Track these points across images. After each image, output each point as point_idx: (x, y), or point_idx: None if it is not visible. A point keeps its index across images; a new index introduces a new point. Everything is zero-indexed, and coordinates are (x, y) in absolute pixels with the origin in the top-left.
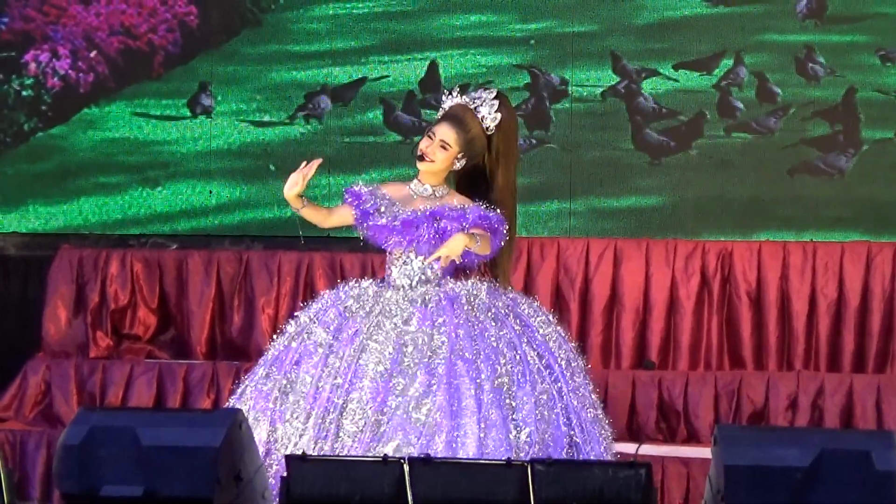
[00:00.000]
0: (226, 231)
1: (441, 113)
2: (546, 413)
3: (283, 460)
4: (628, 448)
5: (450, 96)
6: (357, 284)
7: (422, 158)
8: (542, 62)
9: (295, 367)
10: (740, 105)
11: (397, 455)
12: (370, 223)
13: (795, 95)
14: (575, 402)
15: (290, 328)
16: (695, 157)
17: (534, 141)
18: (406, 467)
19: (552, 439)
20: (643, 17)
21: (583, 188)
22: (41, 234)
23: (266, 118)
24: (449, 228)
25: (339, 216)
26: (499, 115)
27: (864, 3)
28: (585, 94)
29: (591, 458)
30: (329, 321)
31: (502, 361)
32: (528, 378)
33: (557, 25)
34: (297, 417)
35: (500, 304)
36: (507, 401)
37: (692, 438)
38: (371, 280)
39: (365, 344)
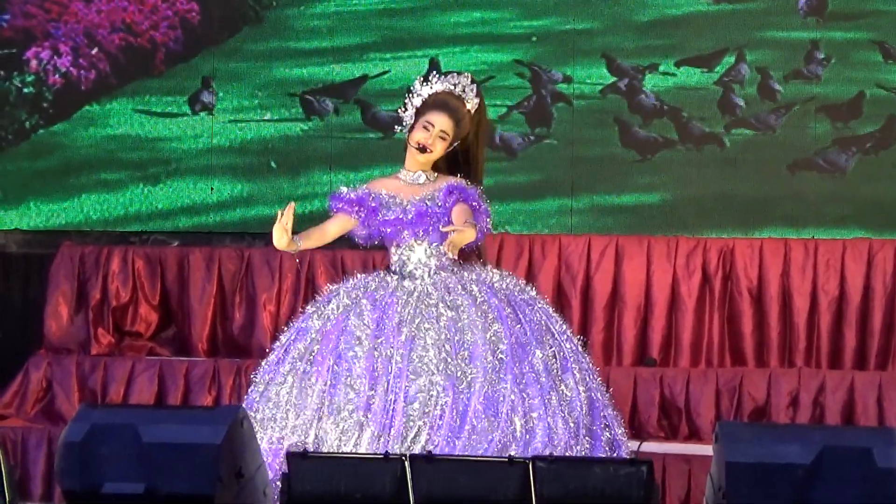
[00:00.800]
0: (227, 228)
1: (421, 100)
2: (592, 395)
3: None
4: (630, 445)
5: (426, 83)
6: (374, 276)
7: (423, 150)
8: (543, 59)
9: (339, 360)
10: (742, 102)
11: (478, 444)
12: (380, 218)
13: (797, 92)
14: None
15: (314, 322)
16: (696, 155)
17: (535, 138)
18: (407, 464)
19: (596, 423)
20: (645, 14)
21: (584, 185)
22: (43, 231)
23: (267, 115)
24: (452, 200)
25: (337, 227)
26: (477, 99)
27: (864, 0)
28: (587, 91)
29: (617, 436)
30: (364, 311)
31: (547, 348)
32: (569, 364)
33: (559, 22)
34: (351, 412)
35: (518, 290)
36: (560, 386)
37: (693, 435)
38: (378, 271)
39: (414, 333)
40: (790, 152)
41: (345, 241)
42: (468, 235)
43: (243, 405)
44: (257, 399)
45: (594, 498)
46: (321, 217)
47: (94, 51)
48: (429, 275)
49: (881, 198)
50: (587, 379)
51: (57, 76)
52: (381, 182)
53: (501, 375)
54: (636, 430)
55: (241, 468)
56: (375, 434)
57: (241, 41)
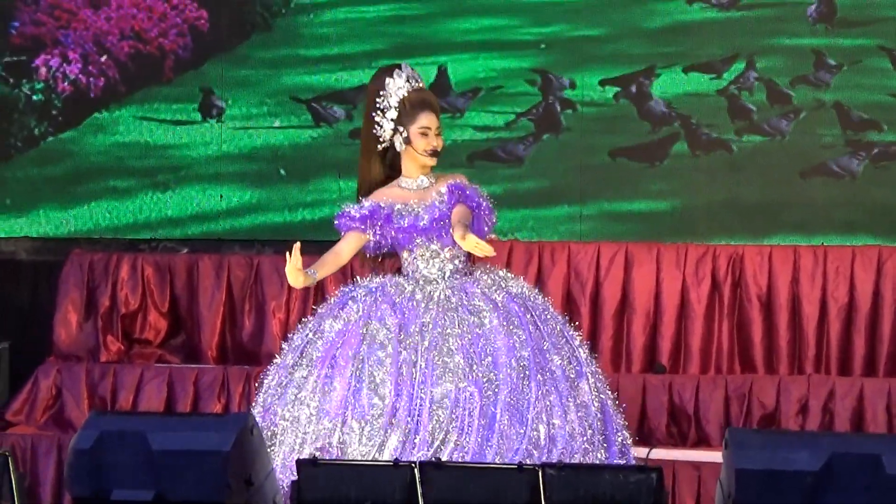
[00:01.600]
0: (236, 235)
1: (395, 109)
2: (605, 400)
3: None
4: (639, 452)
5: (386, 93)
6: (389, 280)
7: (436, 154)
8: (552, 66)
9: (362, 365)
10: (751, 108)
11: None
12: (394, 226)
13: (806, 99)
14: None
15: (333, 325)
16: (705, 161)
17: (533, 139)
18: (417, 471)
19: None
20: (654, 21)
21: (593, 192)
22: (52, 238)
23: (276, 122)
24: (454, 200)
25: (351, 247)
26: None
27: (874, 7)
28: (596, 97)
29: (627, 441)
30: (385, 316)
31: (564, 354)
32: (584, 369)
33: (568, 29)
34: (376, 417)
35: (532, 295)
36: (576, 392)
37: (703, 442)
38: (391, 276)
39: (438, 339)
40: (799, 159)
41: None
42: (468, 243)
43: (255, 408)
44: (273, 402)
45: None
46: (331, 224)
47: (104, 58)
48: (443, 279)
49: (891, 205)
50: (599, 384)
51: (66, 83)
52: (383, 193)
53: (525, 382)
54: (645, 436)
55: (250, 475)
56: (401, 440)
57: (250, 48)
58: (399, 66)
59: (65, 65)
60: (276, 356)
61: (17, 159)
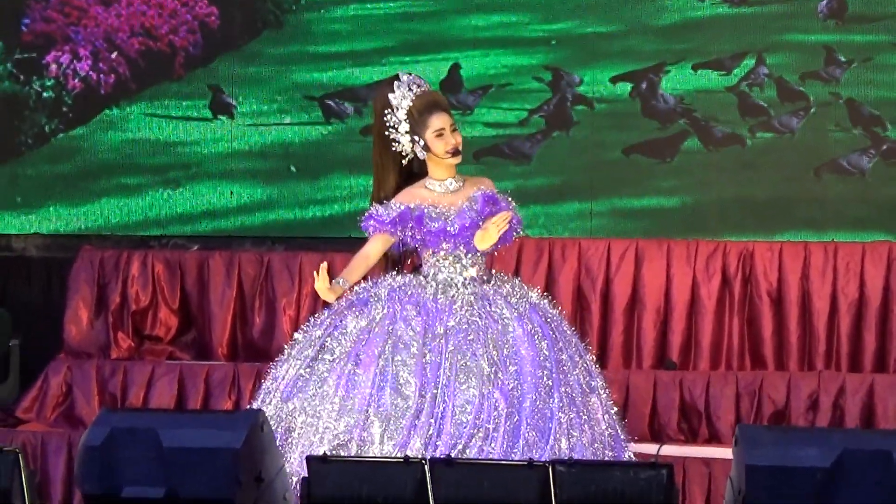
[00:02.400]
0: (247, 232)
1: (406, 121)
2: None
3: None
4: (650, 448)
5: (395, 108)
6: (410, 280)
7: (456, 152)
8: (563, 63)
9: (386, 364)
10: (762, 105)
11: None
12: (425, 228)
13: (817, 95)
14: None
15: (358, 321)
16: (715, 157)
17: (541, 137)
18: (427, 468)
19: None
20: (664, 18)
21: (604, 189)
22: (62, 235)
23: (287, 119)
24: (487, 211)
25: (379, 249)
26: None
27: (884, 3)
28: (607, 94)
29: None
30: (410, 317)
31: (580, 366)
32: (595, 382)
33: (579, 26)
34: (398, 418)
35: (549, 306)
36: (589, 404)
37: (713, 439)
38: (410, 275)
39: (462, 343)
40: (810, 155)
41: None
42: (486, 238)
43: (263, 398)
44: (293, 393)
45: (614, 501)
46: (341, 221)
47: (114, 55)
48: (463, 284)
49: None
50: (607, 400)
51: (76, 80)
52: (411, 195)
53: (548, 393)
54: (656, 433)
55: (260, 472)
56: (423, 442)
57: (260, 45)
58: (397, 77)
59: (75, 62)
60: (286, 346)
61: (27, 156)
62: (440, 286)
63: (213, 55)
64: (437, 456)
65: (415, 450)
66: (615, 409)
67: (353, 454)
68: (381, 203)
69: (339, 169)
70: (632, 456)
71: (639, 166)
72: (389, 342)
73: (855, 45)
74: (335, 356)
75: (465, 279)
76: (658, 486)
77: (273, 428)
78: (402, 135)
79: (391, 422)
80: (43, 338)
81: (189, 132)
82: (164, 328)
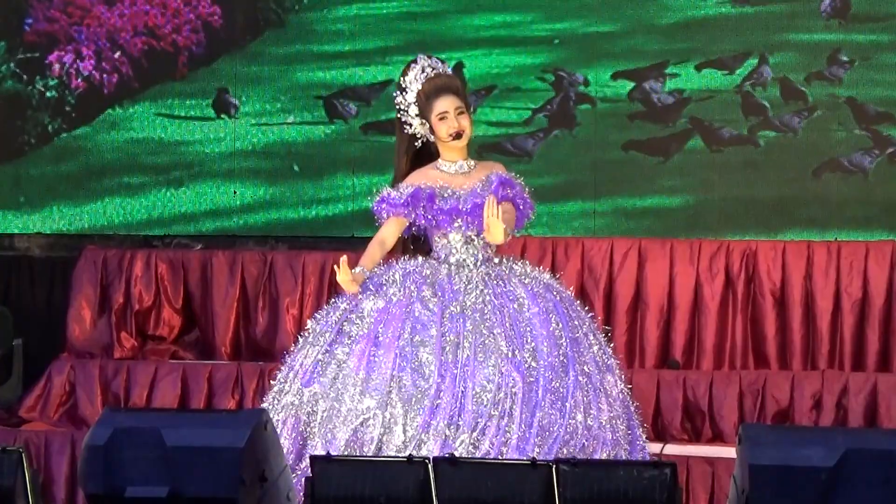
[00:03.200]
0: (250, 231)
1: (416, 104)
2: (626, 393)
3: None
4: (653, 448)
5: (405, 90)
6: (423, 263)
7: (459, 135)
8: (566, 62)
9: (406, 346)
10: (765, 104)
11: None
12: (437, 206)
13: (820, 95)
14: None
15: (376, 302)
16: (718, 157)
17: (558, 140)
18: (431, 467)
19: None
20: (667, 17)
21: (607, 188)
22: (66, 234)
23: (290, 118)
24: (503, 195)
25: (394, 233)
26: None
27: (888, 3)
28: (609, 93)
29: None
30: (427, 299)
31: (595, 345)
32: (610, 361)
33: (581, 25)
34: (420, 399)
35: (562, 287)
36: (605, 384)
37: (717, 438)
38: (422, 259)
39: (479, 322)
40: (813, 154)
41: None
42: (495, 232)
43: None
44: (314, 378)
45: (618, 500)
46: (345, 220)
47: (117, 54)
48: (475, 265)
49: None
50: (621, 380)
51: (79, 80)
52: (421, 174)
53: (564, 371)
54: (659, 432)
55: (264, 471)
56: (445, 422)
57: (263, 45)
58: (415, 60)
59: (78, 61)
60: (300, 336)
61: (30, 156)
62: (453, 267)
63: (215, 55)
64: (459, 437)
65: (438, 430)
66: (629, 387)
67: (375, 436)
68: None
69: (342, 168)
70: (643, 437)
71: (642, 165)
72: (408, 323)
73: (858, 44)
74: (353, 338)
75: (478, 260)
76: (662, 486)
77: (294, 413)
78: (412, 117)
79: (413, 402)
80: (46, 337)
81: (192, 132)
82: (168, 328)
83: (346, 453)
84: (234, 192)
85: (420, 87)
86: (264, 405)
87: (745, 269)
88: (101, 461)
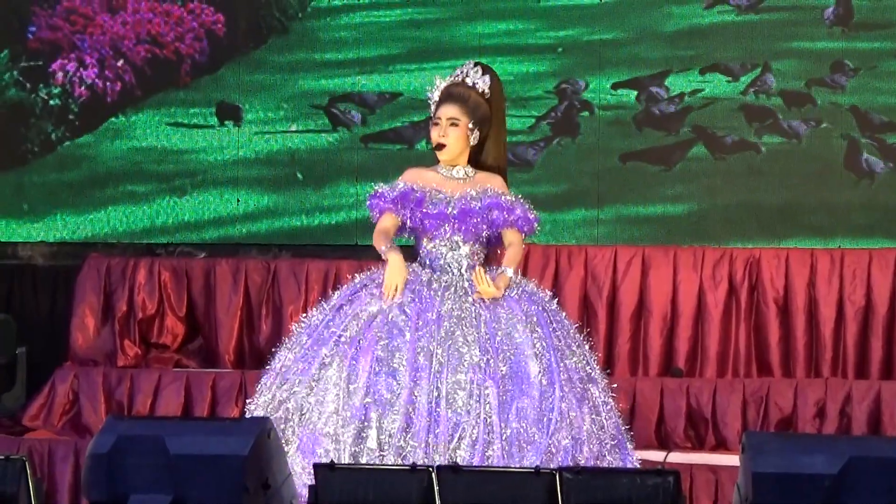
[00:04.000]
0: (254, 239)
1: (438, 93)
2: (612, 406)
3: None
4: (657, 456)
5: (434, 88)
6: (407, 266)
7: (439, 147)
8: (569, 70)
9: (384, 350)
10: (769, 112)
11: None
12: (424, 210)
13: (823, 102)
14: None
15: (351, 309)
16: (722, 165)
17: (561, 148)
18: (434, 475)
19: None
20: (671, 25)
21: (610, 196)
22: (69, 243)
23: (293, 126)
24: (499, 220)
25: (391, 222)
26: (487, 78)
27: (891, 11)
28: (613, 101)
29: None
30: (405, 302)
31: (578, 356)
32: (595, 373)
33: (585, 33)
34: (393, 402)
35: (547, 299)
36: (589, 395)
37: (720, 446)
38: (410, 263)
39: (454, 329)
40: (816, 162)
41: (372, 252)
42: (491, 294)
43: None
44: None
45: None
46: (348, 228)
47: (120, 63)
48: (460, 272)
49: None
50: (606, 391)
51: (83, 88)
52: (418, 173)
53: (546, 380)
54: (663, 440)
55: (267, 479)
56: (423, 428)
57: (266, 53)
58: (458, 68)
59: (81, 69)
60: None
61: (33, 164)
62: (436, 273)
63: (219, 63)
64: (437, 445)
65: (419, 437)
66: (613, 398)
67: (349, 439)
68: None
69: (345, 176)
70: (630, 445)
71: (645, 173)
72: (385, 328)
73: (861, 52)
74: (336, 341)
75: (462, 267)
76: (665, 493)
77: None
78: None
79: (387, 407)
80: (49, 346)
81: (195, 140)
82: (171, 336)
83: (324, 459)
84: (238, 201)
85: (441, 90)
86: (249, 407)
87: (749, 277)
88: (104, 469)
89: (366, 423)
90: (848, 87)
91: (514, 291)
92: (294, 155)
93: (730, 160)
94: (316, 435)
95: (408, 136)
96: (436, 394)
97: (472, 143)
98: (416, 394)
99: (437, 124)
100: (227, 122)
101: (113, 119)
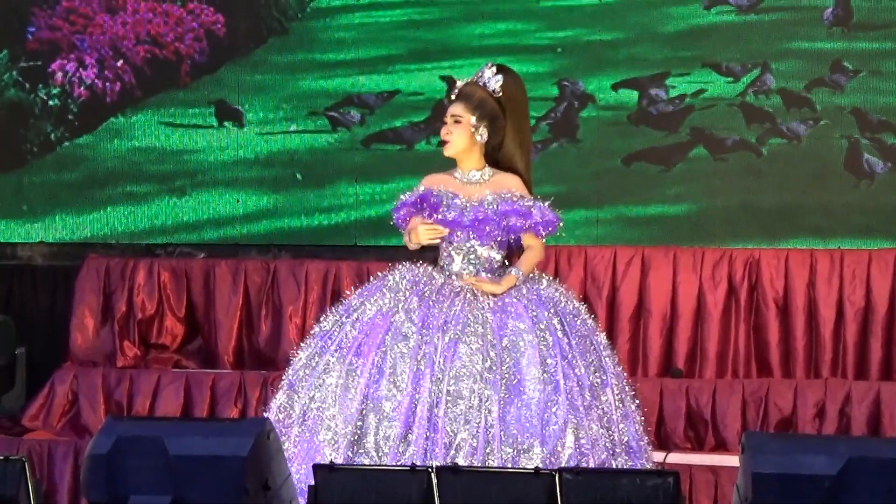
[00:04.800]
0: (253, 240)
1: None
2: (629, 409)
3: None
4: (656, 456)
5: (458, 81)
6: (422, 270)
7: (442, 144)
8: (569, 70)
9: (385, 357)
10: (768, 112)
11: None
12: (439, 216)
13: (822, 103)
14: None
15: (365, 311)
16: (722, 165)
17: (561, 149)
18: (434, 476)
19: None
20: (671, 25)
21: (610, 196)
22: (68, 243)
23: (293, 127)
24: (516, 226)
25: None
26: (500, 77)
27: (890, 11)
28: (612, 101)
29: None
30: (411, 308)
31: (589, 362)
32: (609, 378)
33: (584, 34)
34: (393, 409)
35: (564, 300)
36: (599, 401)
37: (720, 446)
38: (426, 266)
39: (459, 336)
40: (816, 163)
41: (372, 253)
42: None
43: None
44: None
45: None
46: (348, 228)
47: (120, 63)
48: (474, 276)
49: None
50: (624, 394)
51: (82, 88)
52: (437, 178)
53: (551, 388)
54: (662, 440)
55: (267, 480)
56: (421, 435)
57: (266, 53)
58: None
59: (81, 69)
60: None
61: (33, 164)
62: (449, 277)
63: (218, 63)
64: (436, 451)
65: (418, 444)
66: (636, 402)
67: (343, 445)
68: None
69: (344, 177)
70: (648, 449)
71: (645, 174)
72: (390, 333)
73: (861, 52)
74: (341, 346)
75: (478, 271)
76: (665, 494)
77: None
78: None
79: (386, 413)
80: (49, 346)
81: (195, 140)
82: (171, 336)
83: (325, 460)
84: (237, 201)
85: (456, 91)
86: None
87: (748, 278)
88: (103, 470)
89: (364, 430)
90: (848, 87)
91: (526, 296)
92: (293, 155)
93: (729, 161)
94: (315, 442)
95: (407, 136)
96: (436, 401)
97: (480, 141)
98: (415, 401)
99: (445, 123)
100: (226, 123)
101: (112, 119)
